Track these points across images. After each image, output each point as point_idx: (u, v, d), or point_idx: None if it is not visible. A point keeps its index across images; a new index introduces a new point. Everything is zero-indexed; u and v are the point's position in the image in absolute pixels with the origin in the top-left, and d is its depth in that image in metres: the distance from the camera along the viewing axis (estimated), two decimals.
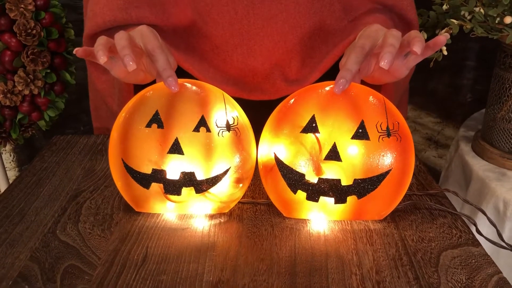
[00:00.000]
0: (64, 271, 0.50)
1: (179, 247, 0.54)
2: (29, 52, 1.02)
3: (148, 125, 0.54)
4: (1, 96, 1.04)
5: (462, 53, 1.53)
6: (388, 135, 0.53)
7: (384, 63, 0.51)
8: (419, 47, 0.52)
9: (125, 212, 0.60)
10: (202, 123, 0.54)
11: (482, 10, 0.86)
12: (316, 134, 0.53)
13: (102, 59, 0.53)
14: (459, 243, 0.54)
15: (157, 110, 0.55)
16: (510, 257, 0.90)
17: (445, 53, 0.89)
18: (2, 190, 1.40)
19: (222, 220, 0.58)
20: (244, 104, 0.63)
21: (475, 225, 0.59)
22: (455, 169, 1.17)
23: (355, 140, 0.53)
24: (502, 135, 1.02)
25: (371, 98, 0.55)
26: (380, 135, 0.53)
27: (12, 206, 0.63)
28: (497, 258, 0.91)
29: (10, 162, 1.55)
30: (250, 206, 0.61)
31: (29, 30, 0.99)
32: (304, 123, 0.54)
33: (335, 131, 0.53)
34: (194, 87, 0.57)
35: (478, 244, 0.54)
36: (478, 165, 1.04)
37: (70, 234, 0.56)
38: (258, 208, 0.61)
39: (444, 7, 0.97)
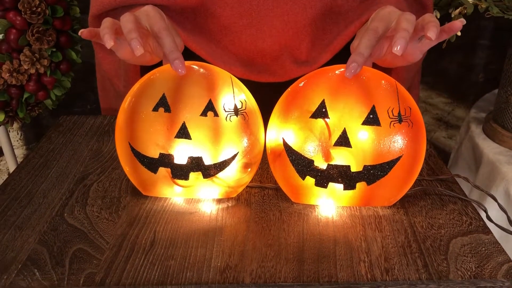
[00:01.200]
0: (72, 255, 0.50)
1: (187, 231, 0.54)
2: (34, 31, 1.01)
3: (155, 109, 0.54)
4: (7, 75, 1.04)
5: (475, 31, 1.50)
6: (400, 121, 0.52)
7: (397, 49, 0.50)
8: (433, 32, 0.50)
9: (132, 195, 0.60)
10: (210, 108, 0.54)
11: None
12: (326, 119, 0.52)
13: (109, 43, 0.52)
14: (469, 230, 0.54)
15: (164, 94, 0.54)
16: None
17: (459, 34, 0.87)
18: (10, 168, 1.41)
19: (230, 205, 0.58)
20: (253, 86, 0.62)
21: (485, 211, 0.59)
22: (465, 151, 1.16)
23: (365, 126, 0.52)
24: None
25: (383, 83, 0.53)
26: (391, 121, 0.52)
27: (20, 188, 0.63)
28: (506, 243, 0.91)
29: (17, 140, 1.55)
30: (258, 191, 0.61)
31: (34, 8, 0.98)
32: (313, 108, 0.53)
33: (346, 116, 0.52)
34: (201, 70, 0.56)
35: (488, 231, 0.54)
36: (489, 147, 1.03)
37: (78, 217, 0.57)
38: (266, 192, 0.61)
39: None
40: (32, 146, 1.58)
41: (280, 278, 0.47)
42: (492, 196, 0.61)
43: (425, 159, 0.68)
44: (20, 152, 1.57)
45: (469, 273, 0.47)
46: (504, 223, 0.59)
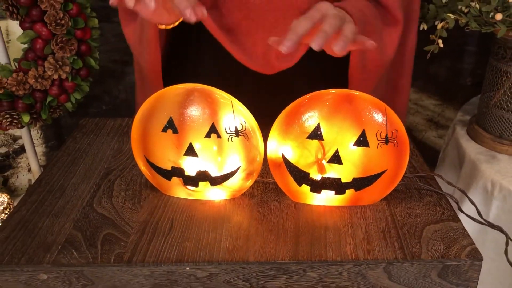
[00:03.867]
0: (103, 238, 0.58)
1: (199, 218, 0.61)
2: (58, 40, 1.08)
3: (164, 130, 0.60)
4: (33, 80, 1.11)
5: (462, 38, 1.57)
6: (387, 142, 0.58)
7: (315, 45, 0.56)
8: (339, 46, 0.56)
9: (152, 189, 0.68)
10: (213, 130, 0.59)
11: (477, 5, 0.91)
12: (321, 140, 0.59)
13: (130, 3, 0.58)
14: (441, 219, 0.61)
15: (171, 117, 0.60)
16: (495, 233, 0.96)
17: (441, 45, 0.94)
18: (32, 164, 1.48)
19: (236, 197, 0.66)
20: (249, 79, 0.70)
21: (457, 203, 0.66)
22: (451, 151, 1.23)
23: (355, 147, 0.59)
24: (494, 121, 1.07)
25: (373, 109, 0.58)
26: (379, 143, 0.58)
27: (53, 182, 0.71)
28: (485, 234, 0.99)
29: (37, 139, 1.63)
30: (260, 185, 0.69)
31: (59, 20, 1.06)
32: (309, 130, 0.59)
33: (339, 138, 0.58)
34: (204, 96, 0.60)
35: (457, 220, 0.61)
36: (471, 148, 1.10)
37: (105, 207, 0.64)
38: (267, 186, 0.68)
39: (444, 0, 1.02)
40: (51, 144, 1.66)
41: (279, 257, 0.54)
42: (463, 191, 0.68)
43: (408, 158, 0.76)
44: (39, 150, 1.65)
45: (438, 253, 0.55)
46: (484, 214, 0.66)
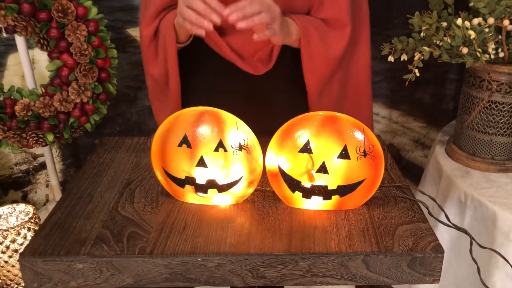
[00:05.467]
0: (128, 235, 0.67)
1: (209, 220, 0.71)
2: (81, 69, 1.19)
3: (180, 145, 0.71)
4: (58, 103, 1.22)
5: (444, 67, 1.68)
6: (365, 155, 0.69)
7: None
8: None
9: (167, 196, 0.77)
10: (220, 145, 0.69)
11: (448, 40, 1.02)
12: (310, 154, 0.69)
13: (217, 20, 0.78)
14: (412, 221, 0.70)
15: (185, 134, 0.70)
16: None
17: (418, 74, 1.04)
18: (51, 180, 1.58)
19: (239, 202, 0.75)
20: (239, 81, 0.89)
21: (427, 208, 0.75)
22: (431, 167, 1.33)
23: (339, 159, 0.69)
24: (467, 140, 1.17)
25: (353, 128, 0.68)
26: (358, 156, 0.68)
27: (82, 190, 0.80)
28: (462, 241, 1.07)
29: (55, 157, 1.73)
30: (260, 193, 0.78)
31: (83, 51, 1.17)
32: (301, 145, 0.69)
33: (325, 152, 0.68)
34: (213, 117, 0.70)
35: (426, 221, 0.70)
36: (448, 164, 1.20)
37: (129, 210, 0.74)
38: (266, 194, 0.78)
39: (422, 34, 1.13)
40: (68, 162, 1.76)
41: (275, 250, 0.63)
42: (433, 198, 0.77)
43: (387, 170, 0.85)
44: (58, 167, 1.74)
45: (407, 247, 0.64)
46: (458, 222, 0.75)
